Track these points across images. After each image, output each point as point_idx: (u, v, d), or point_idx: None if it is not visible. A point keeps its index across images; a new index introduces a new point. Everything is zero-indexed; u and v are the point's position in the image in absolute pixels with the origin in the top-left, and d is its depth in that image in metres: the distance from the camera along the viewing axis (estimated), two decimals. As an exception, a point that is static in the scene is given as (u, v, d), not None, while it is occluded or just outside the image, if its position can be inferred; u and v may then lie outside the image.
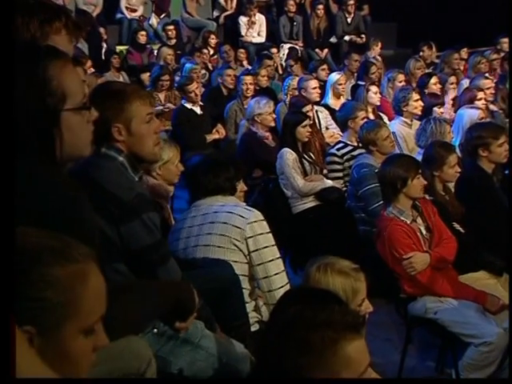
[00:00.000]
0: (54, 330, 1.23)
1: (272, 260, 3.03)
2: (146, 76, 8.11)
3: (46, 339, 1.23)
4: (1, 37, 1.55)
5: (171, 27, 10.13)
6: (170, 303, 2.09)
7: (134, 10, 10.56)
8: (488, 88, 6.34)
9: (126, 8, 10.49)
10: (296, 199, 5.04)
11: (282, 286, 3.00)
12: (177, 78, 7.67)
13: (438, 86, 6.70)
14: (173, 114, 6.72)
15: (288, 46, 10.45)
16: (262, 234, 3.04)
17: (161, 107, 7.07)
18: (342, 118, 5.52)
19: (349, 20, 11.11)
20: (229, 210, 3.10)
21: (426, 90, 6.46)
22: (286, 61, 9.18)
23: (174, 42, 10.06)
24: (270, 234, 3.08)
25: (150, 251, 2.25)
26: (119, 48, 9.90)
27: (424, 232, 3.65)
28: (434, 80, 6.68)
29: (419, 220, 3.67)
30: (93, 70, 7.50)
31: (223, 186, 3.19)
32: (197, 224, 3.14)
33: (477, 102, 5.72)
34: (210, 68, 9.21)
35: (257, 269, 3.03)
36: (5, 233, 1.25)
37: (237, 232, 3.03)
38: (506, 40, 9.31)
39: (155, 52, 9.52)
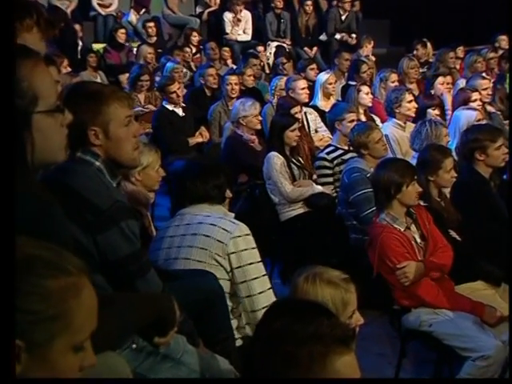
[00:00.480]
0: (44, 345, 1.23)
1: (256, 278, 3.00)
2: (124, 76, 8.12)
3: (34, 355, 1.22)
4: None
5: (151, 24, 10.14)
6: (150, 317, 2.09)
7: (108, 6, 10.55)
8: (485, 89, 6.39)
9: (99, 5, 10.48)
10: (284, 206, 5.05)
11: (266, 306, 2.96)
12: (157, 78, 7.67)
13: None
14: (153, 116, 6.72)
15: (275, 44, 10.50)
16: (245, 249, 3.01)
17: (140, 109, 7.07)
18: (330, 120, 5.55)
19: (343, 17, 11.17)
20: (212, 221, 3.08)
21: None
22: (276, 59, 9.18)
23: (154, 39, 10.06)
24: (256, 250, 3.04)
25: (129, 261, 2.25)
26: (96, 46, 9.89)
27: (418, 240, 3.67)
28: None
29: (413, 227, 3.69)
30: (69, 69, 7.49)
31: (211, 194, 3.18)
32: (179, 234, 3.14)
33: (471, 104, 5.77)
34: (193, 67, 9.22)
35: (240, 287, 3.00)
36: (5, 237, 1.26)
37: (218, 246, 3.00)
38: (503, 37, 9.40)
39: (134, 50, 9.52)
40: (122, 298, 2.10)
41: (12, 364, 1.17)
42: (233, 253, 3.00)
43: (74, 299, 1.26)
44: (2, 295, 1.18)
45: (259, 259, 3.05)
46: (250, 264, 3.01)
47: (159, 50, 9.64)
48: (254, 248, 3.04)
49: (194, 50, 9.79)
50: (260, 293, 2.99)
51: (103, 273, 2.23)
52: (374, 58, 9.45)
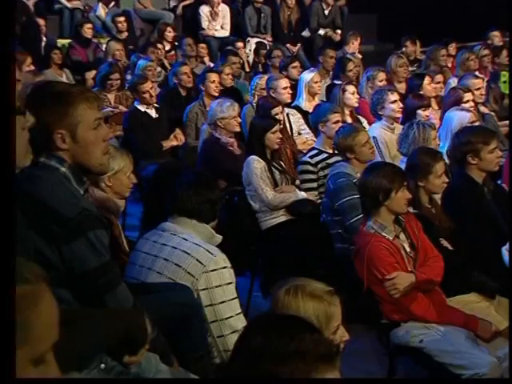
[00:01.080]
0: None
1: (224, 302, 2.95)
2: (92, 74, 8.08)
3: None
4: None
5: (121, 19, 10.13)
6: (118, 334, 2.08)
7: (74, -1, 10.54)
8: (478, 88, 6.45)
9: None
10: (265, 213, 5.06)
11: (235, 331, 2.93)
12: (128, 77, 7.65)
13: (433, 85, 6.80)
14: (124, 117, 6.70)
15: (255, 40, 10.52)
16: (219, 286, 2.95)
17: (110, 110, 7.05)
18: (313, 122, 5.58)
19: (326, 12, 11.24)
20: (187, 248, 3.02)
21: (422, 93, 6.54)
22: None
23: (124, 35, 10.05)
24: (232, 286, 2.99)
25: (97, 274, 2.24)
26: (61, 42, 9.84)
27: (408, 250, 3.69)
28: (427, 81, 6.78)
29: (402, 236, 3.71)
30: (32, 67, 7.45)
31: (201, 209, 3.12)
32: (153, 254, 3.11)
33: (464, 105, 5.81)
34: (167, 65, 9.21)
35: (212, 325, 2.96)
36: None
37: (189, 280, 2.95)
38: (496, 33, 9.50)
39: (103, 47, 9.50)
40: (89, 314, 2.09)
41: (12, 364, 1.17)
42: (203, 289, 2.94)
43: (31, 308, 1.25)
44: None
45: (234, 295, 3.00)
46: (222, 302, 2.95)
47: (130, 47, 9.63)
48: (229, 283, 2.99)
49: (167, 47, 9.79)
50: (228, 318, 2.96)
51: (69, 287, 2.22)
52: (360, 56, 9.51)
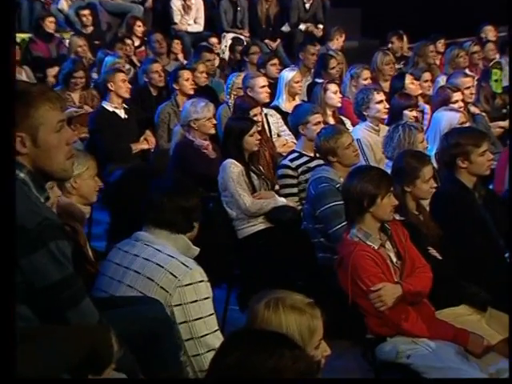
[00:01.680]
0: None
1: (201, 318, 2.95)
2: (54, 71, 8.02)
3: None
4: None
5: (86, 12, 10.09)
6: (83, 353, 2.07)
7: (33, -10, 10.47)
8: (468, 87, 6.50)
9: None
10: (242, 221, 5.06)
11: (211, 350, 2.92)
12: (94, 75, 7.62)
13: (417, 83, 6.85)
14: (90, 117, 6.67)
15: (231, 35, 10.54)
16: (195, 301, 2.94)
17: (74, 110, 7.01)
18: (293, 124, 5.60)
19: (307, 6, 11.28)
20: (161, 260, 3.00)
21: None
22: (245, 54, 9.05)
23: (90, 29, 10.01)
24: (209, 301, 2.98)
25: (59, 289, 2.23)
26: (19, 36, 9.77)
27: (394, 259, 3.70)
28: (408, 79, 6.82)
29: (388, 245, 3.72)
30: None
31: (175, 219, 3.09)
32: (124, 265, 3.10)
33: (452, 104, 5.86)
34: (136, 62, 9.20)
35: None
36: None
37: (161, 294, 2.94)
38: (490, 28, 9.57)
39: (66, 42, 9.45)
40: (50, 331, 2.08)
41: (12, 364, 1.16)
42: (177, 305, 2.93)
43: None
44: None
45: (211, 311, 2.99)
46: (199, 319, 2.94)
47: (96, 42, 9.59)
48: (206, 298, 2.97)
49: (137, 43, 9.76)
50: (204, 335, 2.95)
51: (29, 302, 2.20)
52: (341, 53, 9.54)
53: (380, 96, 5.90)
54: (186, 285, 2.94)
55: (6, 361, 1.19)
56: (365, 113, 5.86)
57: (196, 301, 2.94)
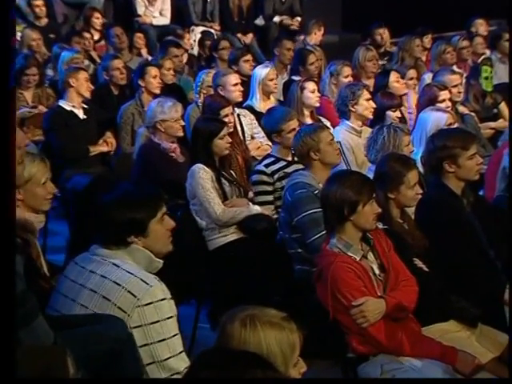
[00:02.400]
0: None
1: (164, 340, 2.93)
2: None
3: None
4: None
5: (39, 2, 10.05)
6: (36, 375, 2.07)
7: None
8: (456, 85, 6.56)
9: None
10: (213, 231, 5.07)
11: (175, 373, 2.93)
12: (49, 72, 7.59)
13: (402, 82, 6.90)
14: (44, 117, 6.64)
15: (200, 29, 10.55)
16: (156, 322, 2.91)
17: (27, 110, 6.97)
18: (266, 129, 5.60)
19: (283, -3, 11.33)
20: (118, 277, 2.97)
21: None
22: (215, 50, 9.01)
23: (44, 22, 9.98)
24: (172, 320, 2.95)
25: (11, 306, 2.23)
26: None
27: (377, 272, 3.73)
28: (393, 77, 6.86)
29: (371, 256, 3.75)
30: None
31: (128, 234, 3.05)
32: (79, 283, 3.07)
33: (439, 104, 5.90)
34: (96, 58, 9.17)
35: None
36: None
37: (119, 315, 2.91)
38: (481, 21, 9.65)
39: (18, 35, 9.40)
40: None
41: (12, 364, 1.19)
42: (138, 327, 2.91)
43: None
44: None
45: (175, 332, 2.96)
46: (161, 341, 2.92)
47: (51, 36, 9.54)
48: (169, 318, 2.95)
49: (96, 36, 9.74)
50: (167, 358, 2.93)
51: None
52: (319, 49, 9.58)
53: (368, 94, 5.94)
54: (146, 304, 2.91)
55: (6, 361, 1.22)
56: (352, 109, 5.87)
57: (158, 321, 2.91)
